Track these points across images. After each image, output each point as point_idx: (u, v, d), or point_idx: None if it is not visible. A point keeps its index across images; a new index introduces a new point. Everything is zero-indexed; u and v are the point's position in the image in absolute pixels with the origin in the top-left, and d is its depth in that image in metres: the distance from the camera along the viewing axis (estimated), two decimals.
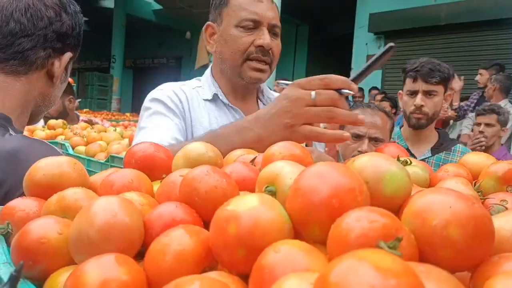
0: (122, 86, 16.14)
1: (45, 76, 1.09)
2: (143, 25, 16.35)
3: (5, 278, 0.52)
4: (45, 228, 0.52)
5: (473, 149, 3.21)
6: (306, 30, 12.73)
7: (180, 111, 1.32)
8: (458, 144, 2.16)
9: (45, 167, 0.66)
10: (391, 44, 0.96)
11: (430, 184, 0.81)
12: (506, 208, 0.53)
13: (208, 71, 1.47)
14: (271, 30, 1.32)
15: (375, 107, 1.96)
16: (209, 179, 0.56)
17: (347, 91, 0.90)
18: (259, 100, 1.48)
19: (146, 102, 1.36)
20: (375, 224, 0.40)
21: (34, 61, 1.04)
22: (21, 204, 0.62)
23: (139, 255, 0.51)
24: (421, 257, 0.41)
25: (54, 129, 2.73)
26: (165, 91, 1.35)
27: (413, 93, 2.07)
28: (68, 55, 1.10)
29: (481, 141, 3.27)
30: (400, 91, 2.22)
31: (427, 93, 2.04)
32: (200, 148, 0.73)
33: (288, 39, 12.27)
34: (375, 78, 8.93)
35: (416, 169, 0.80)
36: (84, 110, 9.83)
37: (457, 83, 4.91)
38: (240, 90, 1.42)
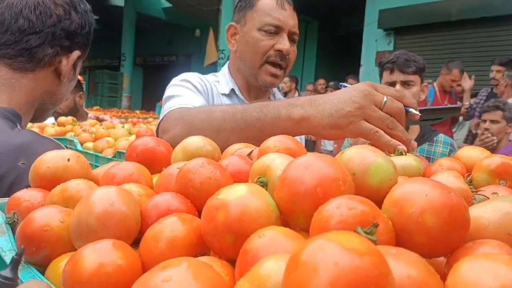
0: (132, 83, 16.27)
1: (53, 73, 1.10)
2: (153, 23, 16.44)
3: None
4: (48, 216, 0.55)
5: (484, 147, 3.16)
6: (315, 27, 12.69)
7: (205, 94, 1.40)
8: (439, 134, 2.20)
9: (50, 160, 0.69)
10: (459, 105, 1.01)
11: (424, 176, 0.83)
12: (487, 198, 0.55)
13: (225, 68, 1.55)
14: (290, 37, 1.41)
15: None
16: (204, 171, 0.59)
17: (414, 111, 0.91)
18: (269, 100, 1.56)
19: (175, 80, 1.41)
20: (354, 211, 0.42)
21: (42, 58, 1.06)
22: (26, 195, 0.65)
23: (137, 242, 0.53)
24: (398, 242, 0.43)
25: (64, 126, 2.78)
26: (192, 76, 1.42)
27: (391, 84, 2.12)
28: (76, 54, 1.12)
29: (493, 139, 3.22)
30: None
31: (405, 83, 2.10)
32: (198, 142, 0.76)
33: None
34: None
35: (410, 159, 0.82)
36: (95, 107, 9.94)
37: (466, 82, 4.87)
38: (254, 90, 1.50)
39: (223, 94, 1.46)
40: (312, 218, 0.45)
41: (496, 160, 0.79)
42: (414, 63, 2.09)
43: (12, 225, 0.63)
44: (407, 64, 2.08)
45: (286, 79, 7.02)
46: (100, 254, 0.45)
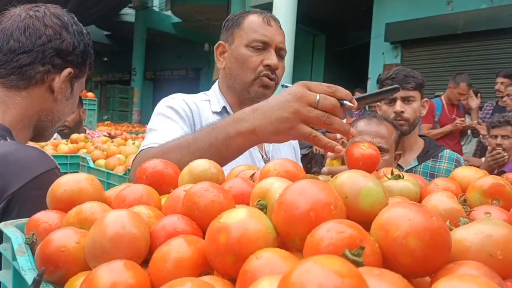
0: (142, 97, 16.49)
1: (47, 91, 1.15)
2: (163, 38, 16.71)
3: (30, 282, 0.61)
4: (65, 238, 0.60)
5: (493, 163, 3.12)
6: (323, 40, 12.79)
7: (189, 120, 1.41)
8: (445, 150, 2.16)
9: (66, 183, 0.74)
10: (397, 85, 1.07)
11: (421, 197, 0.86)
12: (472, 220, 0.59)
13: (215, 86, 1.58)
14: (278, 52, 1.45)
15: (381, 117, 1.99)
16: (208, 194, 0.64)
17: (348, 103, 0.95)
18: None
19: (158, 107, 1.44)
20: (342, 234, 0.46)
21: (33, 76, 1.11)
22: (44, 217, 0.70)
23: (146, 262, 0.58)
24: (385, 263, 0.47)
25: (77, 143, 2.86)
26: (176, 100, 1.44)
27: (392, 101, 2.12)
28: (67, 71, 1.15)
29: (504, 156, 3.12)
30: (378, 103, 2.26)
31: (405, 99, 2.10)
32: (204, 165, 0.81)
33: (305, 48, 12.36)
34: None
35: (408, 183, 0.86)
36: (106, 122, 10.08)
37: (473, 101, 4.87)
38: (247, 104, 1.49)
39: (215, 112, 1.48)
40: (305, 239, 0.49)
41: (488, 180, 0.83)
42: (413, 79, 2.09)
43: (31, 245, 0.67)
44: (407, 80, 2.08)
45: None
46: (113, 274, 0.50)
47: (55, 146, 2.66)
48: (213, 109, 1.49)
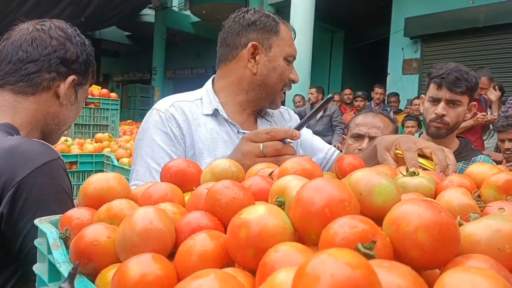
0: (162, 96, 16.53)
1: (53, 97, 1.25)
2: (182, 37, 16.87)
3: (65, 274, 0.65)
4: (96, 233, 0.65)
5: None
6: (341, 36, 12.72)
7: (178, 137, 1.36)
8: (480, 155, 2.05)
9: (96, 182, 0.79)
10: (330, 95, 1.16)
11: (436, 193, 0.88)
12: (481, 215, 0.61)
13: (208, 85, 1.51)
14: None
15: (377, 111, 2.05)
16: (229, 192, 0.67)
17: (289, 140, 1.10)
18: (258, 114, 1.56)
19: (146, 124, 1.40)
20: (355, 229, 0.49)
21: (40, 83, 1.21)
22: (77, 213, 0.75)
23: (172, 255, 0.62)
24: (395, 257, 0.50)
25: (101, 142, 2.94)
26: (163, 117, 1.37)
27: (436, 100, 2.00)
28: (71, 78, 1.25)
29: None
30: (423, 96, 2.15)
31: (450, 102, 1.96)
32: (225, 164, 0.85)
33: (323, 45, 12.31)
34: (411, 85, 8.81)
35: (422, 179, 0.88)
36: (127, 121, 10.27)
37: (492, 94, 4.80)
38: (249, 109, 1.49)
39: (207, 115, 1.43)
40: (321, 234, 0.52)
41: (503, 176, 0.84)
42: (465, 83, 1.93)
43: (65, 240, 0.72)
44: (457, 84, 1.92)
45: (313, 89, 7.06)
46: (142, 266, 0.54)
47: (81, 145, 2.74)
48: (205, 111, 1.43)
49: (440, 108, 1.97)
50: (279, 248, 0.51)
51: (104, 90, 4.64)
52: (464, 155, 2.03)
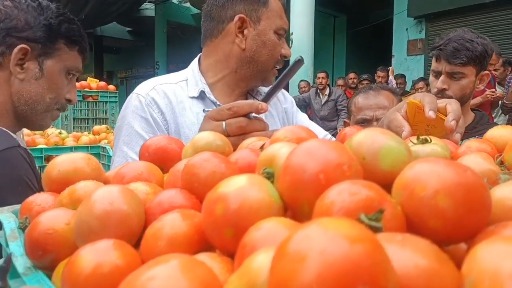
0: None
1: (10, 74, 1.11)
2: (183, 30, 16.69)
3: (21, 269, 0.56)
4: (53, 219, 0.55)
5: None
6: (344, 21, 12.48)
7: (159, 123, 1.25)
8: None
9: (61, 163, 0.69)
10: (299, 57, 1.00)
11: None
12: None
13: (194, 64, 1.38)
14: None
15: (377, 88, 1.84)
16: (208, 165, 0.57)
17: (254, 114, 0.97)
18: (248, 94, 1.42)
19: (125, 111, 1.29)
20: (357, 196, 0.38)
21: None
22: (38, 199, 0.65)
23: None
24: (410, 229, 0.39)
25: (99, 134, 2.85)
26: (143, 102, 1.26)
27: (437, 74, 1.86)
28: (18, 48, 1.09)
29: None
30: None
31: (451, 75, 1.81)
32: (208, 137, 0.74)
33: (326, 31, 12.10)
34: (417, 66, 8.61)
35: (435, 146, 0.77)
36: None
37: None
38: (238, 89, 1.36)
39: (192, 97, 1.30)
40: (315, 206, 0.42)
41: None
42: (466, 53, 1.76)
43: (24, 230, 0.63)
44: (455, 55, 1.77)
45: (323, 74, 6.91)
46: (97, 255, 0.44)
47: (77, 138, 2.66)
48: (190, 93, 1.31)
49: (440, 82, 1.83)
50: (262, 225, 0.40)
51: (102, 83, 4.52)
52: (478, 129, 1.86)
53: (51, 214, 0.56)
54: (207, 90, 1.31)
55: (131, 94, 1.30)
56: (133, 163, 0.71)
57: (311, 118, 1.65)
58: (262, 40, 1.28)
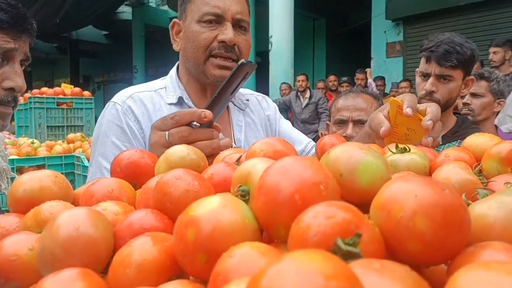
0: None
1: None
2: (161, 33, 16.54)
3: None
4: (16, 244, 0.52)
5: None
6: (323, 24, 12.57)
7: (135, 131, 1.22)
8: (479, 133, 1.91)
9: (26, 182, 0.65)
10: (242, 60, 0.94)
11: (430, 170, 0.77)
12: (492, 192, 0.49)
13: (173, 71, 1.38)
14: (237, 24, 1.25)
15: (357, 91, 1.86)
16: (181, 183, 0.55)
17: (196, 123, 0.94)
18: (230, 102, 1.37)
19: (101, 120, 1.26)
20: (333, 220, 0.37)
21: None
22: (1, 221, 0.61)
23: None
24: (389, 252, 0.38)
25: (73, 142, 2.79)
26: (119, 110, 1.23)
27: (426, 75, 1.86)
28: None
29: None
30: (417, 69, 1.98)
31: (441, 77, 1.81)
32: (182, 151, 0.71)
33: (306, 34, 12.17)
34: (396, 68, 8.74)
35: (414, 156, 0.77)
36: None
37: None
38: (209, 89, 1.32)
39: (171, 104, 1.28)
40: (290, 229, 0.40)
41: (506, 146, 0.73)
42: (456, 55, 1.76)
43: None
44: (446, 57, 1.76)
45: (303, 77, 6.92)
46: (60, 286, 0.41)
47: (50, 147, 2.58)
48: (169, 100, 1.29)
49: (429, 84, 1.82)
50: (235, 251, 0.38)
51: (77, 89, 4.40)
52: (460, 133, 1.88)
53: (14, 239, 0.53)
54: (185, 96, 1.30)
55: (108, 103, 1.27)
56: (103, 180, 0.68)
57: (292, 121, 1.62)
58: (187, 35, 1.26)
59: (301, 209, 0.41)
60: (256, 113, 1.45)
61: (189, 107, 1.28)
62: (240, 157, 0.73)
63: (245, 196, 0.52)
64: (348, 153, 0.50)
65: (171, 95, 1.30)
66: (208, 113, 0.93)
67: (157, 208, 0.55)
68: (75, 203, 0.68)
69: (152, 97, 1.28)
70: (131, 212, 0.55)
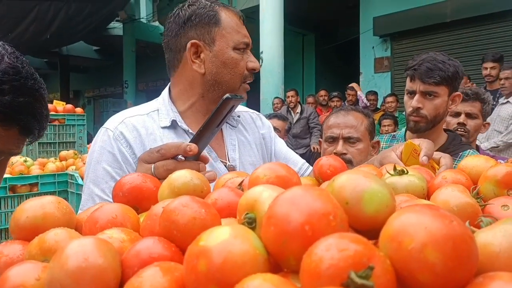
0: None
1: None
2: (152, 48, 16.61)
3: None
4: (22, 274, 0.51)
5: None
6: (312, 39, 12.73)
7: (127, 157, 1.22)
8: (468, 150, 1.93)
9: (29, 209, 0.65)
10: (227, 95, 0.95)
11: (428, 192, 0.78)
12: (495, 220, 0.50)
13: (165, 93, 1.37)
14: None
15: (348, 108, 1.92)
16: (188, 211, 0.55)
17: (181, 157, 0.96)
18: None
19: (93, 146, 1.26)
20: (346, 252, 0.37)
21: None
22: (5, 249, 0.61)
23: None
24: (400, 283, 0.39)
25: (66, 160, 2.77)
26: (111, 136, 1.23)
27: (411, 93, 1.90)
28: None
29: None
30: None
31: (426, 94, 1.86)
32: (185, 176, 0.72)
33: (295, 49, 12.29)
34: (384, 82, 8.86)
35: (413, 178, 0.78)
36: None
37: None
38: (208, 114, 1.23)
39: (164, 127, 1.28)
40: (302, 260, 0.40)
41: (502, 169, 0.75)
42: (439, 72, 1.80)
43: None
44: (429, 74, 1.81)
45: (292, 92, 6.97)
46: None
47: (43, 165, 2.56)
48: (162, 123, 1.29)
49: (415, 100, 1.86)
50: (248, 284, 0.39)
51: (69, 106, 4.39)
52: (451, 150, 1.89)
53: (20, 269, 0.52)
54: (178, 119, 1.30)
55: (101, 128, 1.27)
56: (107, 206, 0.68)
57: None
58: (221, 60, 1.26)
59: (311, 240, 0.41)
60: (250, 131, 1.46)
61: (183, 129, 1.29)
62: (242, 181, 0.74)
63: (251, 223, 0.53)
64: (354, 182, 0.51)
65: (164, 118, 1.30)
66: (193, 147, 0.94)
67: (163, 236, 0.55)
68: (78, 228, 0.68)
69: (144, 121, 1.28)
70: (138, 240, 0.55)
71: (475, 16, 7.45)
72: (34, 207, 0.65)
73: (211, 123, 0.96)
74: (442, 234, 0.38)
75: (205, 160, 1.01)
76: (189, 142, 0.96)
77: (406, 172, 0.80)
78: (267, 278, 0.39)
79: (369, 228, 0.49)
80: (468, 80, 4.92)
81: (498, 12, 7.16)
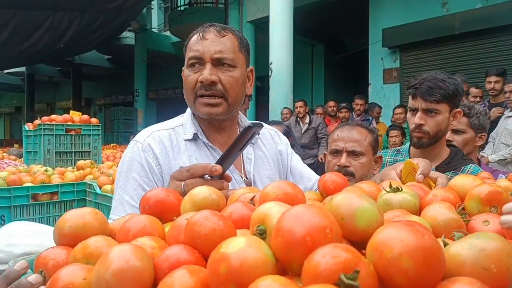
0: (146, 117, 16.62)
1: None
2: (163, 58, 16.89)
3: None
4: (71, 275, 0.62)
5: None
6: (321, 50, 12.87)
7: (153, 167, 1.33)
8: (470, 164, 1.98)
9: (71, 219, 0.76)
10: (249, 124, 1.09)
11: (420, 208, 0.87)
12: (466, 234, 0.60)
13: (189, 109, 1.47)
14: (219, 63, 1.33)
15: (353, 123, 2.01)
16: (208, 223, 0.65)
17: (207, 177, 1.09)
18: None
19: (124, 157, 1.38)
20: (337, 259, 0.47)
21: None
22: (52, 254, 0.72)
23: None
24: (381, 285, 0.49)
25: (83, 169, 2.88)
26: (140, 148, 1.35)
27: (414, 110, 1.98)
28: None
29: None
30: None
31: (427, 111, 1.94)
32: (205, 192, 0.82)
33: (304, 59, 12.43)
34: (393, 94, 8.93)
35: (406, 195, 0.87)
36: (111, 144, 10.16)
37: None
38: (215, 125, 1.43)
39: (187, 140, 1.40)
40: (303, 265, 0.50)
41: (485, 188, 0.84)
42: (439, 91, 1.88)
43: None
44: (430, 92, 1.89)
45: (301, 103, 7.07)
46: None
47: (62, 174, 2.69)
48: (185, 136, 1.41)
49: (417, 117, 1.95)
50: (260, 283, 0.49)
51: (85, 116, 4.57)
52: (453, 164, 1.99)
53: (69, 270, 0.63)
54: (199, 132, 1.42)
55: (131, 141, 1.41)
56: (136, 217, 0.78)
57: (292, 146, 1.72)
58: (183, 80, 1.39)
59: (311, 249, 0.51)
60: (268, 147, 1.56)
61: (203, 142, 1.41)
62: (254, 196, 0.84)
63: (262, 234, 0.63)
64: (348, 201, 0.61)
65: (187, 131, 1.42)
66: (218, 167, 1.07)
67: (188, 244, 0.65)
68: (111, 236, 0.78)
69: (170, 135, 1.40)
70: (167, 247, 0.66)
71: (484, 29, 7.52)
72: (75, 217, 0.76)
73: (234, 147, 1.10)
74: (415, 245, 0.47)
75: (228, 179, 1.13)
76: (215, 163, 1.08)
77: (400, 189, 0.89)
78: (275, 279, 0.49)
79: (361, 240, 0.59)
80: (466, 97, 4.99)
81: (507, 25, 7.21)
